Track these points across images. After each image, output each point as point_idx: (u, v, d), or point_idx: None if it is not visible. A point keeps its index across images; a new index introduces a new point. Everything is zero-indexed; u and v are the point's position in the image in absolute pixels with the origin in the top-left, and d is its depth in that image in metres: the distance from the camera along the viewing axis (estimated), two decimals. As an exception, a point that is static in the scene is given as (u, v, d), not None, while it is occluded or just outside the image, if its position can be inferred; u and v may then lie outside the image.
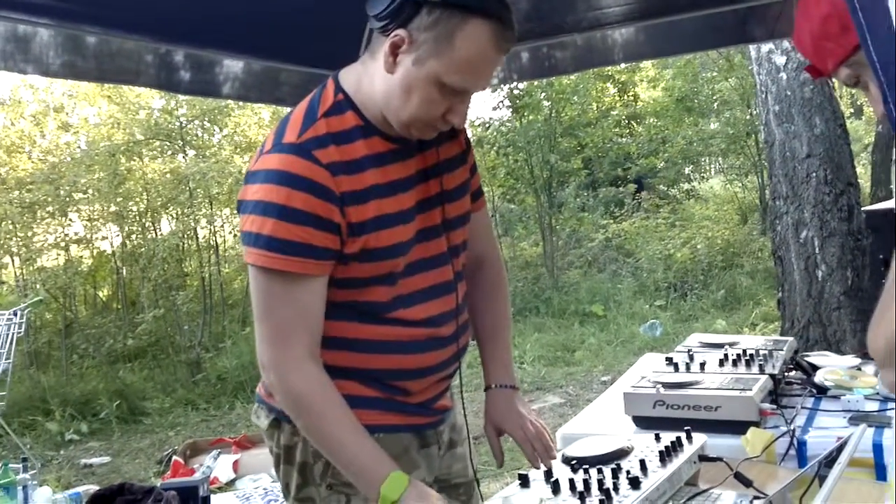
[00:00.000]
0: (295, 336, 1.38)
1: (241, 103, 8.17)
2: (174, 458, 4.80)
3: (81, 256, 8.44)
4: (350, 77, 1.45)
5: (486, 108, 12.31)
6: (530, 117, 10.65)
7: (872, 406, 2.04)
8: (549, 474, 1.51)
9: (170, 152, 8.67)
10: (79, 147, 8.54)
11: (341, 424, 1.39)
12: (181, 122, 8.50)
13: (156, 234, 8.61)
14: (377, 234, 1.40)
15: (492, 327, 1.69)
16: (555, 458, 1.56)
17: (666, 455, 1.53)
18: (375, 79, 1.39)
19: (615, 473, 1.46)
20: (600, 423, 2.16)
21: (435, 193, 1.51)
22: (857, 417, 1.95)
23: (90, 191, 8.01)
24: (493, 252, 1.73)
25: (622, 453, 1.57)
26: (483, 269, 1.70)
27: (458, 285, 1.57)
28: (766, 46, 5.40)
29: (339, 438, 1.39)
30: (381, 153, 1.43)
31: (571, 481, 1.45)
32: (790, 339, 2.46)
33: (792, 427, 1.89)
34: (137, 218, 8.47)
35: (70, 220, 8.20)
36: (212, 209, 8.47)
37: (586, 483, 1.43)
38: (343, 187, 1.37)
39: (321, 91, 1.45)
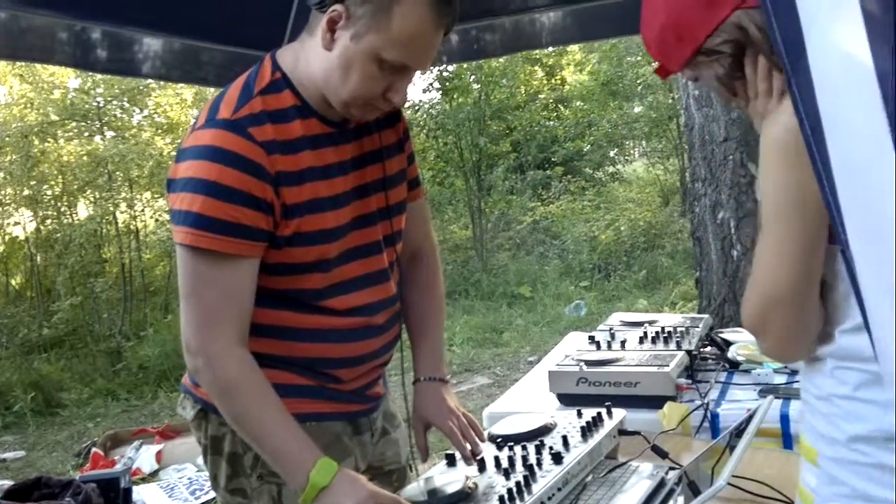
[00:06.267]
0: (224, 320, 1.35)
1: (161, 83, 7.91)
2: (94, 450, 4.66)
3: (-8, 242, 8.08)
4: (287, 56, 1.42)
5: (415, 91, 12.27)
6: (460, 100, 10.67)
7: (781, 379, 2.14)
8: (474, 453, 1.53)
9: (87, 133, 8.33)
10: (-12, 128, 8.13)
11: (268, 410, 1.35)
12: (99, 103, 8.17)
13: (72, 218, 8.28)
14: (311, 217, 1.38)
15: (424, 321, 1.67)
16: (482, 451, 1.54)
17: (587, 430, 1.58)
18: (313, 57, 1.36)
19: (538, 449, 1.50)
20: (526, 402, 2.21)
21: (372, 180, 1.50)
22: (766, 390, 2.05)
23: (1, 174, 7.65)
24: (430, 245, 1.71)
25: (545, 430, 1.61)
26: (418, 262, 1.68)
27: (393, 274, 1.56)
28: (686, 33, 5.54)
29: (267, 426, 1.36)
30: (317, 135, 1.41)
31: (497, 459, 1.48)
32: (706, 316, 2.56)
33: (706, 400, 1.97)
34: (52, 202, 8.13)
35: (-21, 204, 7.83)
36: (132, 193, 8.19)
37: (511, 460, 1.47)
38: (278, 167, 1.34)
39: (258, 68, 1.41)
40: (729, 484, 1.41)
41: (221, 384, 1.36)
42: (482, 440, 1.55)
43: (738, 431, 1.54)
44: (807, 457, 1.13)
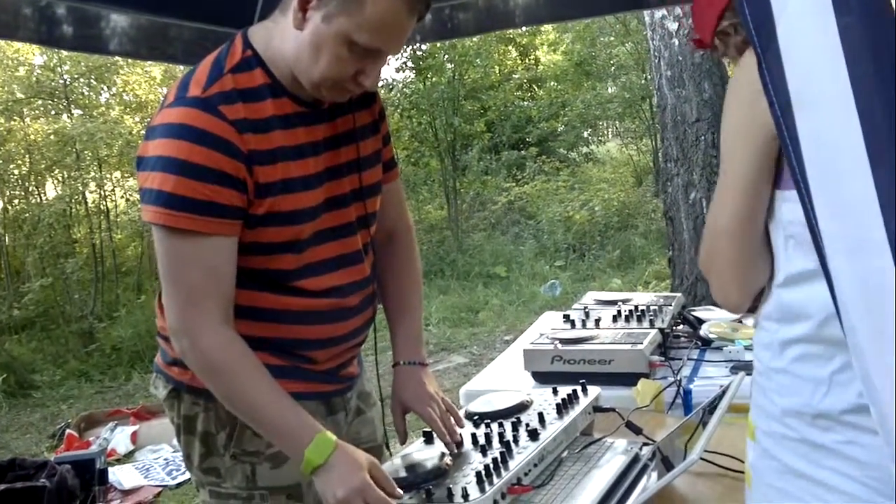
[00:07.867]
0: (206, 299, 1.33)
1: (129, 61, 7.76)
2: (68, 431, 4.63)
3: (-43, 223, 7.91)
4: (260, 34, 1.40)
5: (389, 70, 12.17)
6: (434, 79, 10.62)
7: (752, 356, 2.18)
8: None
9: (53, 112, 8.17)
10: (-49, 106, 7.93)
11: (260, 386, 1.35)
12: (65, 80, 8.01)
13: (40, 198, 8.14)
14: (283, 197, 1.37)
15: (401, 303, 1.66)
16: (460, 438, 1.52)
17: (563, 407, 1.60)
18: (286, 36, 1.34)
19: (515, 426, 1.52)
20: (501, 380, 2.23)
21: (346, 161, 1.48)
22: (738, 367, 2.08)
23: (-35, 153, 7.50)
24: (405, 225, 1.70)
25: (521, 407, 1.62)
26: (394, 243, 1.67)
27: (367, 256, 1.55)
28: (659, 13, 5.55)
29: (258, 401, 1.35)
30: (289, 115, 1.39)
31: (474, 436, 1.50)
32: (678, 295, 2.59)
33: (679, 377, 2.00)
34: (20, 182, 7.99)
35: (-56, 184, 7.66)
36: (101, 172, 8.06)
37: (488, 437, 1.48)
38: (250, 145, 1.32)
39: (229, 46, 1.39)
40: (701, 458, 1.44)
41: (209, 364, 1.35)
42: (461, 426, 1.55)
43: (711, 407, 1.57)
44: (748, 432, 1.16)
